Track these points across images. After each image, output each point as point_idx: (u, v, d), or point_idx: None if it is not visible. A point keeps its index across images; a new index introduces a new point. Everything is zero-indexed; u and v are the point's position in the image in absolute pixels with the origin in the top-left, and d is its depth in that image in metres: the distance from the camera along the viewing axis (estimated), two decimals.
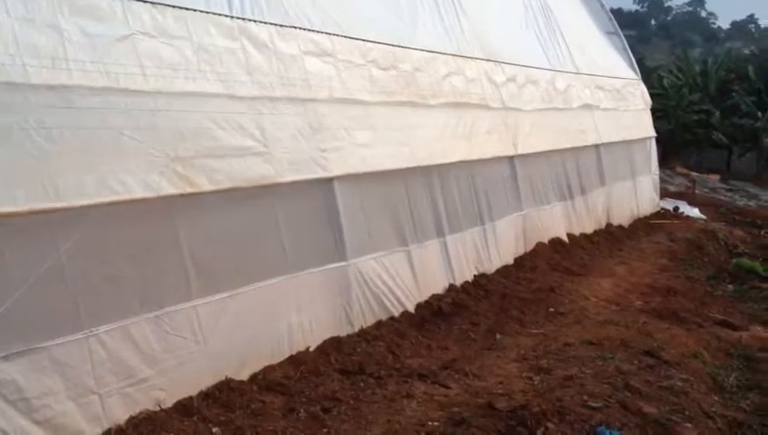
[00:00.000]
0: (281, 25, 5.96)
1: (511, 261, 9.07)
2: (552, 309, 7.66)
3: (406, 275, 6.95)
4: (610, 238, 11.98)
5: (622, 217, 13.32)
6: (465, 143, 8.33)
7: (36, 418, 3.85)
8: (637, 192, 14.29)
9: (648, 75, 25.79)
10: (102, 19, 4.48)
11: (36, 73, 4.00)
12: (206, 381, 4.84)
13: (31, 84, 3.97)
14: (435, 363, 5.85)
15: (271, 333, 5.43)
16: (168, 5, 4.95)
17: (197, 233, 4.90)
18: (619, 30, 16.16)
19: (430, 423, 4.62)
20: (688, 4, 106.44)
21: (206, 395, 4.76)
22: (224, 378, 4.93)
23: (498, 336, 6.68)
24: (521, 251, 9.43)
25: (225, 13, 5.46)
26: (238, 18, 5.56)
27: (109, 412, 4.20)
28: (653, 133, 15.91)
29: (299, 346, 5.65)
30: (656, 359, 5.85)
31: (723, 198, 20.82)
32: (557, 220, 10.63)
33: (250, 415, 4.63)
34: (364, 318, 6.33)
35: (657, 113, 20.89)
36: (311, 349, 5.73)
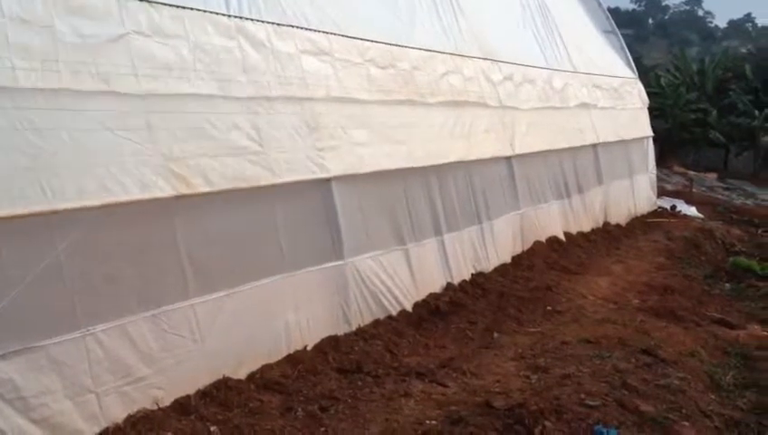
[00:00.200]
0: (278, 24, 5.96)
1: (508, 260, 9.08)
2: (549, 308, 7.67)
3: (403, 273, 6.95)
4: (608, 237, 12.00)
5: (620, 216, 13.33)
6: (463, 142, 8.33)
7: (34, 417, 3.84)
8: (634, 191, 14.31)
9: (646, 74, 25.84)
10: (98, 18, 4.47)
11: (25, 76, 3.99)
12: (204, 379, 4.84)
13: (20, 87, 3.96)
14: (432, 362, 5.86)
15: (268, 332, 5.43)
16: (165, 4, 4.95)
17: (194, 232, 4.89)
18: (617, 29, 16.18)
19: (428, 422, 4.62)
20: (685, 3, 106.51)
21: (204, 394, 4.75)
22: (221, 377, 4.92)
23: (496, 335, 6.68)
24: (518, 250, 9.44)
25: (222, 12, 5.45)
26: (235, 17, 5.55)
27: (106, 411, 4.20)
28: (650, 132, 15.93)
29: (296, 345, 5.65)
30: (653, 357, 5.86)
31: (720, 196, 20.86)
32: (554, 219, 10.64)
33: (248, 414, 4.63)
34: (362, 317, 6.33)
35: (655, 112, 20.92)
36: (308, 348, 5.72)
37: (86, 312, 4.14)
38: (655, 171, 16.12)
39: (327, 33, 6.50)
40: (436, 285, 7.52)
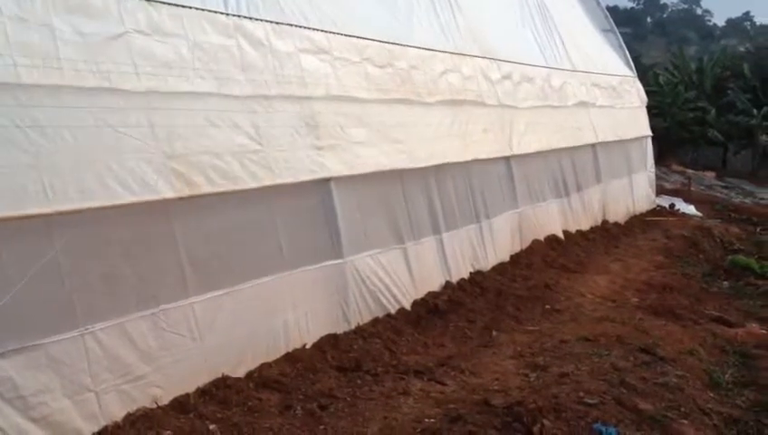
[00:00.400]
0: (277, 23, 5.96)
1: (507, 258, 9.08)
2: (547, 306, 7.67)
3: (402, 272, 6.96)
4: (606, 235, 12.00)
5: (618, 215, 13.34)
6: (461, 141, 8.33)
7: (33, 415, 3.84)
8: (633, 189, 14.32)
9: (644, 73, 25.83)
10: (97, 16, 4.48)
11: (27, 73, 4.00)
12: (203, 378, 4.84)
13: (22, 84, 3.97)
14: (431, 360, 5.86)
15: (267, 331, 5.43)
16: (164, 3, 4.95)
17: (194, 230, 4.89)
18: (615, 27, 16.18)
19: (427, 420, 4.62)
20: (684, 2, 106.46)
21: (203, 392, 4.76)
22: (220, 375, 4.93)
23: (494, 333, 6.69)
24: (517, 248, 9.44)
25: (220, 10, 5.45)
26: (234, 15, 5.55)
27: (105, 410, 4.20)
28: (649, 131, 15.92)
29: (295, 343, 5.65)
30: (651, 356, 5.86)
31: (719, 195, 20.86)
32: (553, 217, 10.65)
33: (247, 412, 4.64)
34: (360, 315, 6.33)
35: (653, 111, 20.92)
36: (307, 346, 5.73)
37: (85, 310, 4.14)
38: (654, 170, 16.12)
39: (325, 31, 6.50)
40: (435, 284, 7.53)
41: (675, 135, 27.03)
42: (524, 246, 9.62)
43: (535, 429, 4.30)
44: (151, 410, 4.41)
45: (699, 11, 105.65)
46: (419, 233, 7.32)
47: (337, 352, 5.77)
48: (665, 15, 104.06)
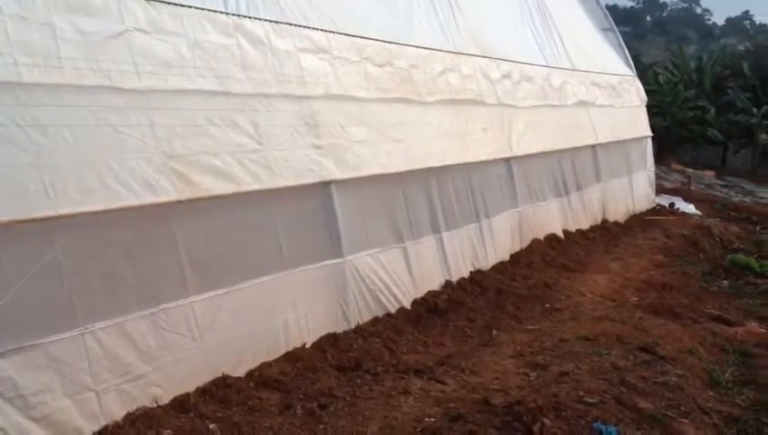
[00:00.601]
0: (276, 22, 5.96)
1: (507, 257, 9.08)
2: (547, 305, 7.67)
3: (402, 271, 6.96)
4: (606, 235, 12.00)
5: (618, 214, 13.34)
6: (461, 140, 8.33)
7: (33, 415, 3.85)
8: (632, 188, 14.31)
9: (644, 72, 25.80)
10: (97, 15, 4.48)
11: (28, 72, 4.00)
12: (203, 377, 4.84)
13: (23, 83, 3.97)
14: (431, 359, 5.86)
15: (267, 330, 5.43)
16: (163, 2, 4.95)
17: (193, 229, 4.89)
18: (615, 26, 16.17)
19: (427, 419, 4.63)
20: (683, 1, 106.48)
21: (203, 392, 4.76)
22: (220, 374, 4.93)
23: (494, 332, 6.69)
24: (516, 247, 9.44)
25: (220, 9, 5.45)
26: (233, 15, 5.56)
27: (105, 409, 4.20)
28: (649, 130, 15.91)
29: (295, 343, 5.65)
30: (651, 355, 5.86)
31: (718, 194, 20.84)
32: (553, 216, 10.65)
33: (247, 411, 4.64)
34: (360, 314, 6.33)
35: (653, 110, 20.90)
36: (307, 345, 5.73)
37: (85, 310, 4.14)
38: (653, 169, 16.12)
39: (325, 31, 6.50)
40: (435, 283, 7.53)
41: (674, 134, 27.01)
42: (524, 246, 9.62)
43: (535, 428, 4.30)
44: (151, 409, 4.41)
45: (699, 10, 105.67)
46: (419, 232, 7.32)
47: (337, 351, 5.77)
48: (664, 14, 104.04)
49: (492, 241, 8.72)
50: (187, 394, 4.67)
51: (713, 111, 27.37)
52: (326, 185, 6.09)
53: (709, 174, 25.38)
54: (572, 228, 11.20)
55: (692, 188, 19.88)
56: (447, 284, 7.67)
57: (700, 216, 15.44)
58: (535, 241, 9.89)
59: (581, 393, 4.83)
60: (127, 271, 4.42)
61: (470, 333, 6.64)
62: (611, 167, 13.21)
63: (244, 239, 5.30)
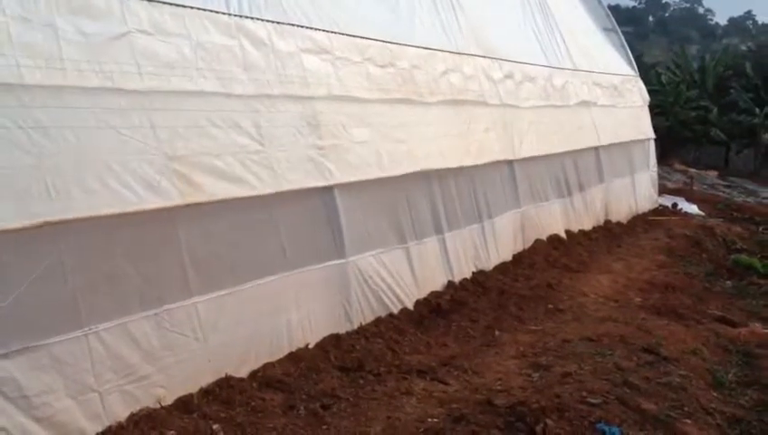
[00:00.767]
0: (278, 23, 5.96)
1: (509, 258, 9.07)
2: (550, 306, 7.67)
3: (405, 272, 6.95)
4: (609, 235, 11.99)
5: (621, 214, 13.33)
6: (463, 141, 8.33)
7: (36, 415, 3.85)
8: (635, 189, 14.30)
9: (646, 72, 25.82)
10: (99, 17, 4.48)
11: (30, 74, 4.01)
12: (207, 378, 4.84)
13: (25, 84, 3.98)
14: (434, 360, 5.86)
15: (270, 330, 5.43)
16: (166, 3, 4.95)
17: (196, 230, 4.89)
18: (617, 26, 16.14)
19: (429, 420, 4.63)
20: (685, 1, 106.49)
21: (207, 392, 4.76)
22: (224, 375, 4.93)
23: (497, 333, 6.69)
24: (519, 248, 9.43)
25: (222, 10, 5.45)
26: (236, 15, 5.56)
27: (109, 410, 4.20)
28: (651, 131, 15.87)
29: (298, 343, 5.65)
30: (654, 355, 5.86)
31: (721, 194, 20.82)
32: (555, 217, 10.64)
33: (250, 412, 4.64)
34: (363, 315, 6.33)
35: (655, 110, 20.88)
36: (310, 346, 5.73)
37: (88, 310, 4.14)
38: (656, 169, 16.10)
39: (327, 31, 6.50)
40: (438, 284, 7.53)
41: (677, 134, 27.01)
42: (527, 246, 9.61)
43: (538, 428, 4.30)
44: (155, 410, 4.41)
45: (701, 10, 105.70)
46: (422, 233, 7.32)
47: (340, 351, 5.78)
48: (667, 14, 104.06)
49: (494, 242, 8.71)
50: (191, 395, 4.67)
51: (715, 111, 27.37)
52: (327, 180, 6.09)
53: (712, 174, 25.38)
54: (575, 229, 11.19)
55: (695, 188, 19.87)
56: (450, 284, 7.67)
57: (703, 216, 15.42)
58: (538, 242, 9.89)
59: (584, 394, 4.83)
60: (130, 271, 4.42)
61: (473, 334, 6.64)
62: (614, 167, 13.20)
63: (247, 239, 5.31)
